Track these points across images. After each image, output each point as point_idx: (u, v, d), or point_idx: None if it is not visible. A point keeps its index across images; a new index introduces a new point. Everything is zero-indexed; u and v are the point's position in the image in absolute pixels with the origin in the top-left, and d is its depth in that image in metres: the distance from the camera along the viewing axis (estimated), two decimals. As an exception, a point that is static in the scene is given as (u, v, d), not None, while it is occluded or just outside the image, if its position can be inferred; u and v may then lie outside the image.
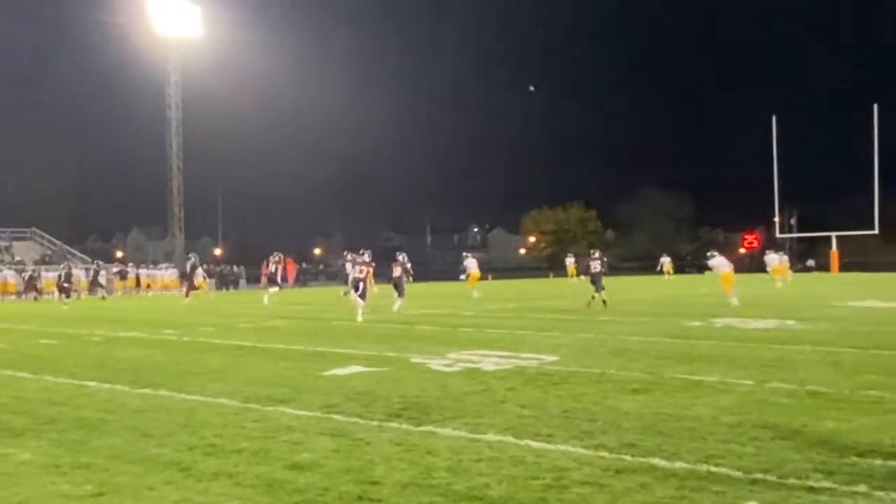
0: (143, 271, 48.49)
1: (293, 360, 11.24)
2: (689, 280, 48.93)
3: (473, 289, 30.10)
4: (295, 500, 4.61)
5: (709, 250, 27.70)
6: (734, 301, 21.78)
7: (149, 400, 8.15)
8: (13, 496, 4.80)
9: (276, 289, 29.49)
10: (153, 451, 5.89)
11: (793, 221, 77.66)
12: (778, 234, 70.51)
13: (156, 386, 8.99)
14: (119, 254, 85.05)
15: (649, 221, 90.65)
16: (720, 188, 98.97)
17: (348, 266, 29.11)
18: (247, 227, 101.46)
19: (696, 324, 15.80)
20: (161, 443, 6.15)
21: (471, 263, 31.14)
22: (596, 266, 23.99)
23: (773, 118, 63.93)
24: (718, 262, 24.95)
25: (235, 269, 56.07)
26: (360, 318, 18.21)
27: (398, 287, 23.48)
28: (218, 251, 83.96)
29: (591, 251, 25.80)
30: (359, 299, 18.95)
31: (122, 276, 46.77)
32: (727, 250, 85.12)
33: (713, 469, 5.08)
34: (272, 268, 29.72)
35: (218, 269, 56.05)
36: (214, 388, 8.77)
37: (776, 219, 66.65)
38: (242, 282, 53.79)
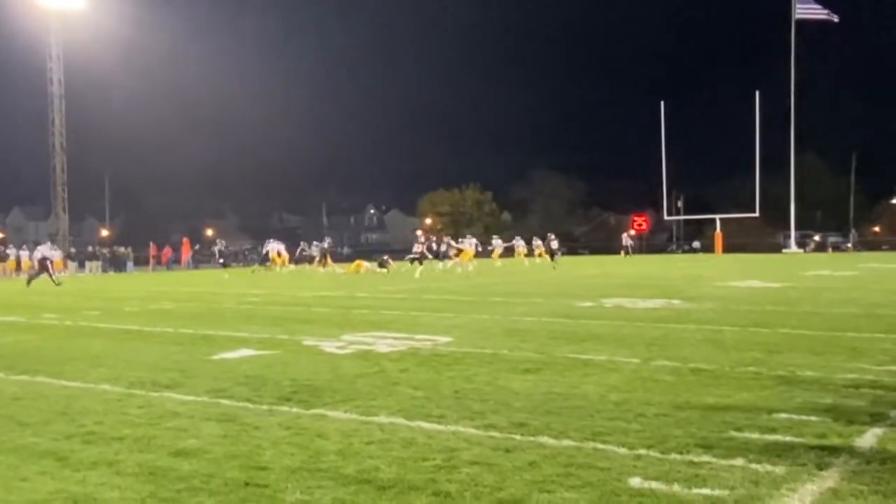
0: (24, 253, 46.40)
1: (181, 343, 10.95)
2: (580, 262, 49.95)
3: (469, 263, 35.41)
4: (178, 488, 4.47)
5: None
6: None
7: (25, 387, 7.78)
8: None
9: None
10: (28, 441, 5.62)
11: (679, 204, 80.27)
12: (665, 217, 72.73)
13: (33, 372, 8.60)
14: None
15: (543, 203, 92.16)
16: (611, 172, 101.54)
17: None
18: (135, 207, 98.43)
19: (587, 304, 16.14)
20: (37, 431, 5.88)
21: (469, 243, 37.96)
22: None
23: (662, 104, 65.86)
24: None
25: (123, 250, 54.24)
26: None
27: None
28: (105, 232, 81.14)
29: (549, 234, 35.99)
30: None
31: (2, 258, 44.66)
32: (617, 232, 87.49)
33: (599, 446, 5.18)
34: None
35: (104, 251, 54.12)
36: (96, 373, 8.46)
37: (664, 201, 68.69)
38: (130, 264, 52.10)
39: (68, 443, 5.53)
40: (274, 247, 41.74)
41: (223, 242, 40.90)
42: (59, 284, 29.92)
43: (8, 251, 46.22)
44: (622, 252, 56.18)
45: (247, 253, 66.63)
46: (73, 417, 6.32)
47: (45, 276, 30.61)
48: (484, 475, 4.62)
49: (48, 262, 31.76)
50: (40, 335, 12.52)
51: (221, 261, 39.01)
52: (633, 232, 58.23)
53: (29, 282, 30.89)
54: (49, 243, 33.09)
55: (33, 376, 8.38)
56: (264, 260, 41.20)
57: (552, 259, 40.84)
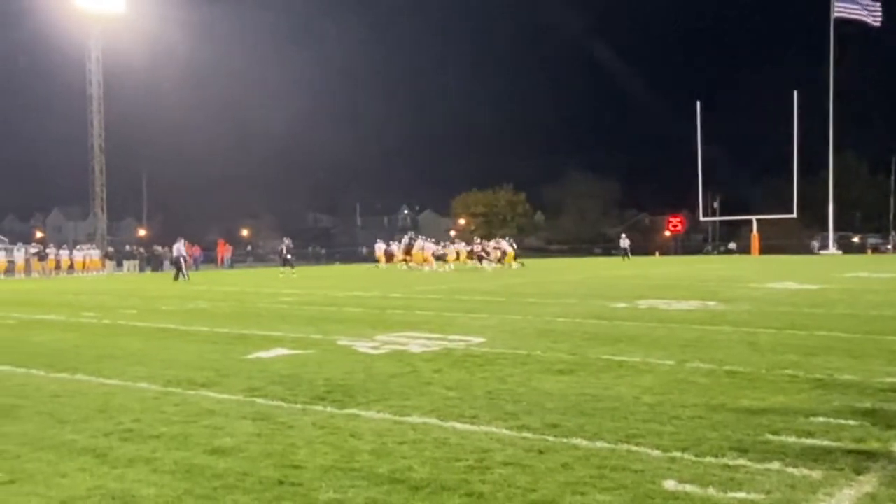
0: (63, 252, 47.18)
1: (217, 342, 11.06)
2: (616, 263, 49.68)
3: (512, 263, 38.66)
4: (213, 486, 4.52)
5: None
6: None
7: (65, 385, 7.91)
8: (-84, 486, 4.61)
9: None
10: (68, 438, 5.71)
11: (716, 205, 79.53)
12: (701, 218, 72.06)
13: (73, 370, 8.74)
14: (38, 234, 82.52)
15: (577, 204, 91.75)
16: (646, 172, 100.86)
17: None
18: (172, 207, 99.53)
19: (621, 305, 16.05)
20: (76, 428, 5.98)
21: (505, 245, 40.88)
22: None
23: (698, 103, 65.27)
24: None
25: (159, 249, 54.88)
26: None
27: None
28: (142, 232, 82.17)
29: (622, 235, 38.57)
30: None
31: (41, 257, 45.40)
32: (653, 233, 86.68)
33: (633, 448, 5.15)
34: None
35: (141, 250, 54.81)
36: (134, 371, 8.57)
37: (699, 202, 68.05)
38: (167, 262, 52.69)
39: (106, 440, 5.61)
40: (380, 246, 44.64)
41: (288, 240, 40.84)
42: (186, 280, 30.78)
43: (48, 250, 46.97)
44: (622, 255, 54.76)
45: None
46: (112, 415, 6.41)
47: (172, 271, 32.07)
48: (517, 476, 4.62)
49: (181, 260, 32.55)
50: (79, 333, 12.71)
51: (288, 256, 39.04)
52: (627, 238, 56.56)
53: (176, 277, 32.04)
54: (182, 241, 33.85)
55: (72, 374, 8.51)
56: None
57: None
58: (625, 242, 55.46)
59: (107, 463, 5.03)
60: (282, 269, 37.59)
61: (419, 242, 40.78)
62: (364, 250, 72.93)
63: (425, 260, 39.24)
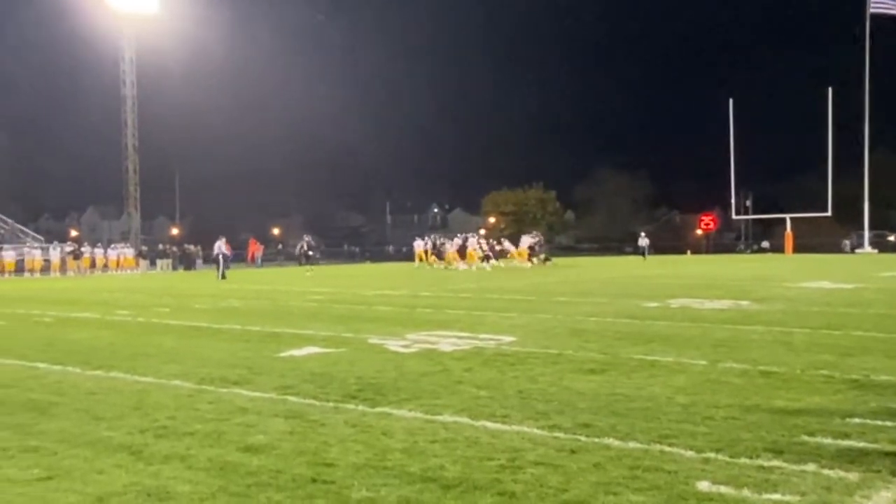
0: (98, 251, 47.79)
1: (249, 340, 11.14)
2: (646, 261, 49.37)
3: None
4: (247, 483, 4.56)
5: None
6: None
7: (100, 382, 8.01)
8: (-43, 481, 4.69)
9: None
10: (104, 434, 5.78)
11: (748, 203, 78.77)
12: (734, 216, 71.40)
13: (108, 367, 8.85)
14: (73, 233, 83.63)
15: (607, 202, 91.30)
16: (677, 170, 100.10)
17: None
18: (204, 206, 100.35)
19: (653, 304, 15.95)
20: (112, 425, 6.05)
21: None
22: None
23: (731, 101, 64.66)
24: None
25: (192, 248, 55.42)
26: None
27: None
28: (175, 230, 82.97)
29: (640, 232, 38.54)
30: None
31: (76, 255, 46.01)
32: (684, 231, 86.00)
33: (666, 449, 5.12)
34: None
35: (174, 248, 55.36)
36: (168, 369, 8.66)
37: (732, 200, 67.40)
38: (199, 261, 53.21)
39: (142, 437, 5.67)
40: (420, 244, 44.24)
41: (308, 238, 41.81)
42: (223, 279, 31.25)
43: (82, 249, 47.59)
44: (640, 254, 53.42)
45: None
46: (147, 412, 6.48)
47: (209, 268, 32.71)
48: (549, 476, 4.60)
49: (221, 257, 33.01)
50: (114, 331, 12.86)
51: (310, 252, 39.75)
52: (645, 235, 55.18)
53: (221, 276, 32.35)
54: (223, 240, 34.33)
55: (108, 371, 8.62)
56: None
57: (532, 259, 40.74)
58: (643, 241, 54.21)
59: (142, 459, 5.08)
60: (308, 266, 38.05)
61: (472, 241, 40.59)
62: (391, 248, 73.16)
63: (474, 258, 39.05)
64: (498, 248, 40.81)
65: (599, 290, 21.55)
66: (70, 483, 4.63)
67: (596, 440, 5.36)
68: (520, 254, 38.93)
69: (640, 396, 6.80)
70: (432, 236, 46.34)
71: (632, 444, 5.23)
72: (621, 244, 76.51)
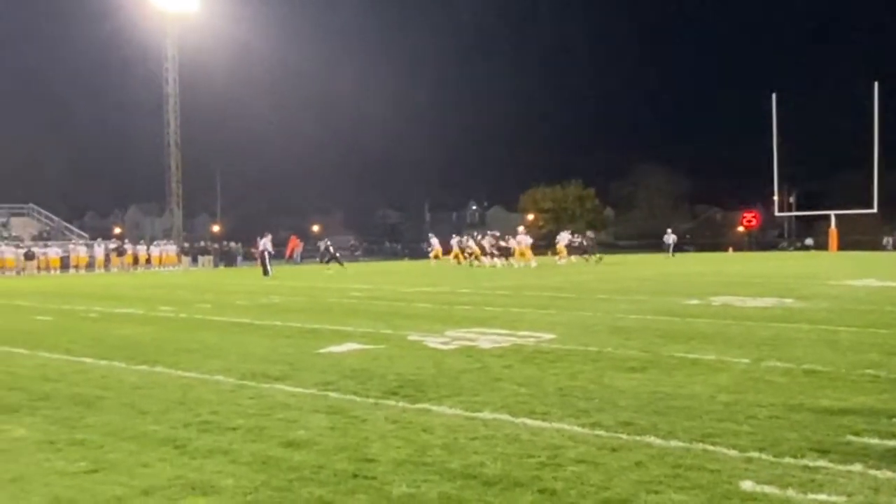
0: (141, 248, 48.51)
1: (289, 337, 11.23)
2: (687, 259, 48.90)
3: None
4: (289, 478, 4.60)
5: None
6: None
7: (145, 377, 8.13)
8: (6, 472, 4.79)
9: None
10: (148, 428, 5.87)
11: (791, 200, 77.64)
12: (777, 213, 70.43)
13: (152, 363, 8.97)
14: (117, 230, 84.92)
15: (647, 199, 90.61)
16: (718, 166, 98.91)
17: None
18: (245, 203, 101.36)
19: (694, 302, 15.80)
20: (156, 420, 6.14)
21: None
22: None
23: (773, 95, 63.72)
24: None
25: (233, 245, 56.00)
26: None
27: None
28: (216, 228, 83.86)
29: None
30: None
31: (120, 252, 46.74)
32: (725, 229, 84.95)
33: (709, 448, 5.07)
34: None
35: (216, 245, 55.98)
36: (210, 365, 8.76)
37: (775, 197, 66.45)
38: (240, 258, 53.75)
39: (185, 431, 5.74)
40: (461, 241, 43.15)
41: (327, 241, 42.93)
42: (267, 275, 31.72)
43: (126, 246, 48.33)
44: (667, 252, 51.52)
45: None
46: (190, 407, 6.56)
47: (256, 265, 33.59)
48: (589, 474, 4.58)
49: (266, 254, 33.48)
50: (157, 327, 13.04)
51: (332, 250, 40.65)
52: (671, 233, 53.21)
53: (266, 273, 32.76)
54: (269, 237, 34.86)
55: (152, 366, 8.74)
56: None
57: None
58: (669, 238, 52.52)
59: (186, 453, 5.15)
60: (339, 265, 38.61)
61: (520, 237, 40.39)
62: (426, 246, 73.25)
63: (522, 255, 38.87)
64: (502, 244, 40.16)
65: (639, 287, 21.39)
66: (116, 476, 4.71)
67: (637, 438, 5.32)
68: (522, 253, 38.43)
69: (682, 395, 6.74)
70: (463, 236, 45.91)
71: (673, 443, 5.19)
72: (661, 241, 75.98)
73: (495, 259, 38.45)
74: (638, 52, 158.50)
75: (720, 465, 4.71)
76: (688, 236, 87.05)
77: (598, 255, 43.59)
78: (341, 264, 39.39)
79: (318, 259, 41.71)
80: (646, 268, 34.83)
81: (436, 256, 43.57)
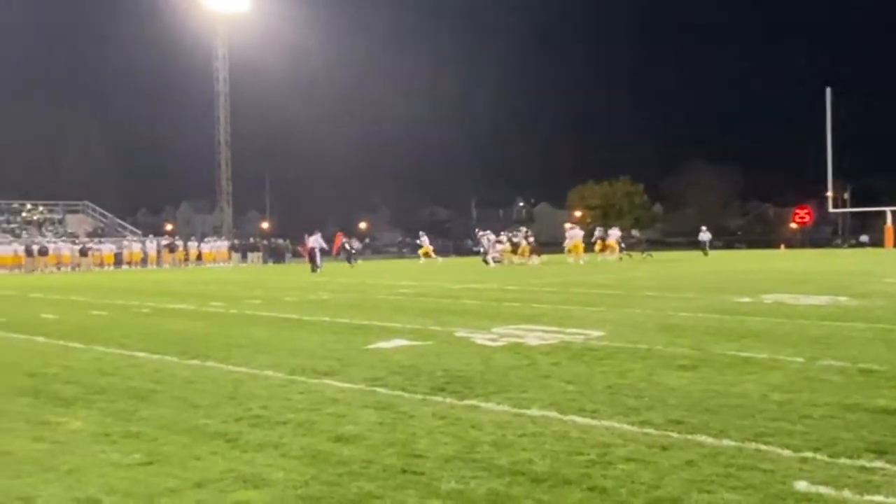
0: (191, 244, 49.26)
1: (338, 332, 11.31)
2: (737, 256, 48.20)
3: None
4: (339, 472, 4.63)
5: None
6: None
7: (197, 371, 8.25)
8: (63, 464, 4.89)
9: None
10: (200, 422, 5.96)
11: (846, 196, 76.07)
12: (831, 209, 69.07)
13: (204, 357, 9.10)
14: (168, 227, 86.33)
15: (696, 196, 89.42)
16: (771, 162, 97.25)
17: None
18: (293, 201, 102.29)
19: (745, 300, 15.56)
20: (208, 413, 6.22)
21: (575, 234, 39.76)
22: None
23: (828, 90, 62.45)
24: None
25: (281, 242, 56.59)
26: None
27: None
28: (265, 225, 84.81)
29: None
30: None
31: (171, 248, 47.51)
32: (777, 226, 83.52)
33: (762, 447, 4.99)
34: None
35: (264, 242, 56.61)
36: (261, 360, 8.86)
37: (829, 193, 65.16)
38: (288, 255, 54.30)
39: (237, 425, 5.81)
40: (490, 238, 41.56)
41: (351, 241, 43.86)
42: (314, 272, 32.28)
43: (177, 242, 49.11)
44: (701, 250, 49.26)
45: (400, 245, 68.44)
46: (241, 401, 6.64)
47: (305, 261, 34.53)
48: (640, 472, 4.54)
49: (317, 252, 33.99)
50: (208, 322, 13.23)
51: (349, 247, 42.02)
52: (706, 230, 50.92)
53: (313, 270, 33.38)
54: (318, 234, 35.39)
55: (203, 361, 8.87)
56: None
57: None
58: (704, 236, 50.19)
59: (237, 447, 5.21)
60: (348, 264, 39.01)
61: (572, 232, 40.17)
62: (471, 243, 73.10)
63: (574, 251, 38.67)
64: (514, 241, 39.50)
65: (689, 284, 21.14)
66: (169, 468, 4.78)
67: (688, 437, 5.26)
68: (522, 251, 38.00)
69: (734, 393, 6.64)
70: (488, 232, 45.27)
71: (725, 442, 5.12)
72: (711, 238, 74.96)
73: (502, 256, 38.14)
74: (689, 47, 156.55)
75: (774, 465, 4.64)
76: (739, 233, 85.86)
77: (646, 253, 43.16)
78: (350, 264, 39.18)
79: (345, 258, 41.93)
80: (695, 265, 34.40)
81: (425, 254, 42.57)
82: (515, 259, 38.00)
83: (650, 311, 13.53)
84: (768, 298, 15.75)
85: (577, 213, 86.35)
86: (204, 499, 4.24)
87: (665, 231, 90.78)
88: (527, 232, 40.93)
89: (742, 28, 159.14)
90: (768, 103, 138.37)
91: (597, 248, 42.09)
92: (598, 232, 43.47)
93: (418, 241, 44.74)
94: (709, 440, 5.18)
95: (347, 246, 42.02)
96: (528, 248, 38.56)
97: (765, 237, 73.73)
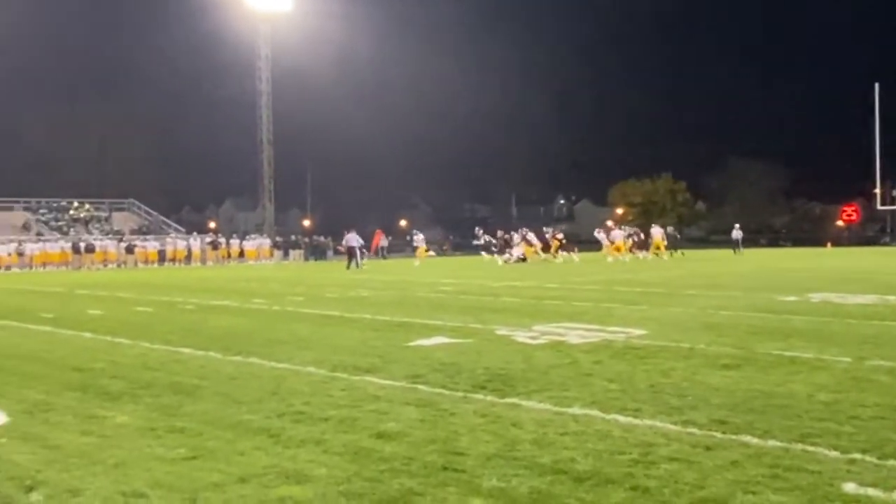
0: (234, 241, 49.81)
1: (379, 330, 11.35)
2: (782, 254, 47.51)
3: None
4: (381, 469, 4.64)
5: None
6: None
7: (240, 367, 8.33)
8: (110, 457, 4.97)
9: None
10: (244, 417, 6.01)
11: (895, 193, 74.54)
12: (878, 206, 67.71)
13: (247, 353, 9.19)
14: (212, 224, 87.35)
15: (740, 193, 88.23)
16: (817, 158, 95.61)
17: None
18: (334, 198, 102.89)
19: (791, 298, 15.33)
20: (251, 409, 6.28)
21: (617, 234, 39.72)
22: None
23: (876, 85, 61.23)
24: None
25: (322, 239, 56.97)
26: None
27: None
28: (306, 222, 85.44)
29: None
30: None
31: (215, 246, 48.06)
32: (823, 223, 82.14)
33: (809, 448, 4.91)
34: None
35: (306, 240, 57.04)
36: (303, 356, 8.92)
37: (877, 190, 63.86)
38: (329, 252, 54.62)
39: (279, 421, 5.86)
40: (619, 234, 40.47)
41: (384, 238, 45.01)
42: (357, 269, 32.56)
43: (220, 240, 49.67)
44: (733, 248, 47.74)
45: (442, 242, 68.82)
46: (283, 397, 6.70)
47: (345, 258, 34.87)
48: (683, 472, 4.49)
49: (357, 250, 34.28)
50: (251, 319, 13.36)
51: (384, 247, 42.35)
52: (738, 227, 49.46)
53: (350, 266, 33.47)
54: (354, 232, 35.70)
55: (246, 357, 8.95)
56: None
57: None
58: (736, 234, 48.53)
59: (280, 443, 5.25)
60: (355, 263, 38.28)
61: (615, 232, 40.17)
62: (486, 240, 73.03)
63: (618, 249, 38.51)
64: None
65: (732, 283, 20.88)
66: (214, 463, 4.84)
67: (732, 437, 5.19)
68: (618, 248, 37.97)
69: (779, 393, 6.55)
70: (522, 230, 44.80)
71: (771, 443, 5.05)
72: (756, 236, 73.97)
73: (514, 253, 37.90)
74: (732, 43, 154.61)
75: (821, 466, 4.56)
76: (783, 231, 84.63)
77: (680, 251, 42.72)
78: (357, 263, 38.20)
79: (381, 256, 42.27)
80: (739, 263, 33.97)
81: (424, 252, 41.92)
82: (542, 256, 37.79)
83: (693, 310, 13.38)
84: (815, 297, 15.50)
85: (619, 211, 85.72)
86: (247, 494, 4.28)
87: (708, 229, 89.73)
88: (554, 231, 40.77)
89: (788, 23, 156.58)
90: (815, 99, 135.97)
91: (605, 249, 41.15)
92: (597, 233, 42.77)
93: (413, 241, 43.80)
94: (754, 440, 5.11)
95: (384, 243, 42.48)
96: (556, 245, 38.58)
97: (811, 235, 72.55)
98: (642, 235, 42.44)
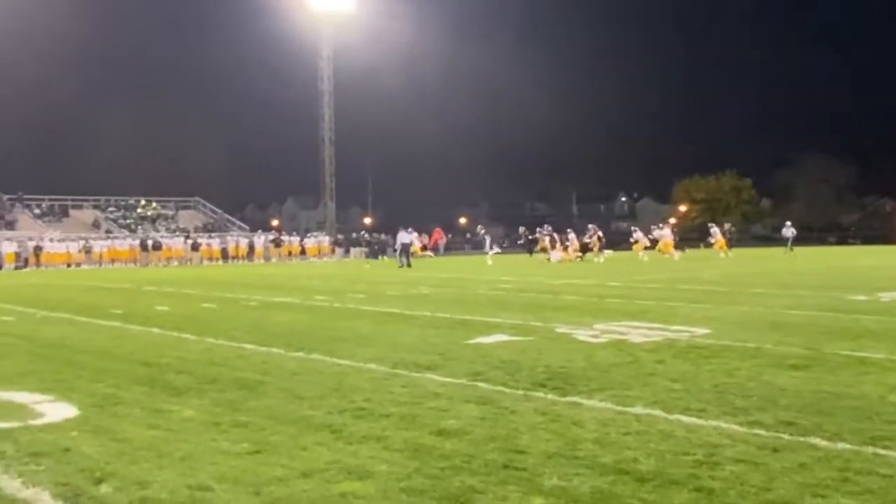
0: (296, 239, 50.43)
1: (439, 327, 11.37)
2: (851, 252, 46.29)
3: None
4: (441, 466, 4.64)
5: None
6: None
7: (302, 363, 8.42)
8: (177, 451, 5.06)
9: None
10: (306, 413, 6.07)
11: (970, 189, 72.09)
12: (953, 203, 65.57)
13: (309, 350, 9.28)
14: (274, 222, 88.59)
15: (807, 190, 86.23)
16: (889, 154, 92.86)
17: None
18: (394, 196, 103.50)
19: (861, 298, 14.92)
20: (313, 405, 6.34)
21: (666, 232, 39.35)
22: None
23: (950, 78, 59.22)
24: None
25: (383, 237, 57.32)
26: None
27: None
28: (367, 220, 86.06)
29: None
30: None
31: (277, 243, 48.73)
32: (894, 220, 79.97)
33: (880, 451, 4.77)
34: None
35: (367, 237, 57.47)
36: (364, 353, 8.98)
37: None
38: (390, 250, 54.94)
39: (341, 417, 5.90)
40: (665, 233, 40.16)
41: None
42: (404, 266, 33.04)
43: (283, 237, 50.34)
44: (786, 246, 44.20)
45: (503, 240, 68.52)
46: (345, 393, 6.74)
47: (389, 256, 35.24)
48: (749, 474, 4.40)
49: (407, 247, 34.66)
50: (312, 315, 13.50)
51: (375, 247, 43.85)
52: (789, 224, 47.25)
53: (401, 265, 34.00)
54: (408, 230, 36.04)
55: (308, 353, 9.04)
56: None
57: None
58: (788, 231, 44.89)
59: (342, 439, 5.29)
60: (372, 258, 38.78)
61: (659, 231, 39.88)
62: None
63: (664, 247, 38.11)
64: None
65: (799, 281, 20.43)
66: (277, 458, 4.89)
67: (800, 439, 5.07)
68: (666, 245, 37.36)
69: (849, 395, 6.38)
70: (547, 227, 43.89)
71: (840, 445, 4.92)
72: (823, 234, 72.24)
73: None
74: (800, 37, 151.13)
75: (892, 469, 4.43)
76: (852, 228, 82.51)
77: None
78: (406, 262, 35.57)
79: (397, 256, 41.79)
80: (805, 261, 33.21)
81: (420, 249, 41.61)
82: (572, 255, 37.32)
83: (759, 309, 13.12)
84: (885, 296, 15.07)
85: (682, 208, 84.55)
86: (310, 488, 4.32)
87: (773, 226, 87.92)
88: (595, 229, 40.30)
89: (858, 18, 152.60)
90: (885, 94, 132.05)
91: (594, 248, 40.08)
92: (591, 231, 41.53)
93: (484, 243, 42.97)
94: (822, 443, 4.98)
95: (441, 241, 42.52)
96: (598, 244, 38.33)
97: (881, 232, 70.53)
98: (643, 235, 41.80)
